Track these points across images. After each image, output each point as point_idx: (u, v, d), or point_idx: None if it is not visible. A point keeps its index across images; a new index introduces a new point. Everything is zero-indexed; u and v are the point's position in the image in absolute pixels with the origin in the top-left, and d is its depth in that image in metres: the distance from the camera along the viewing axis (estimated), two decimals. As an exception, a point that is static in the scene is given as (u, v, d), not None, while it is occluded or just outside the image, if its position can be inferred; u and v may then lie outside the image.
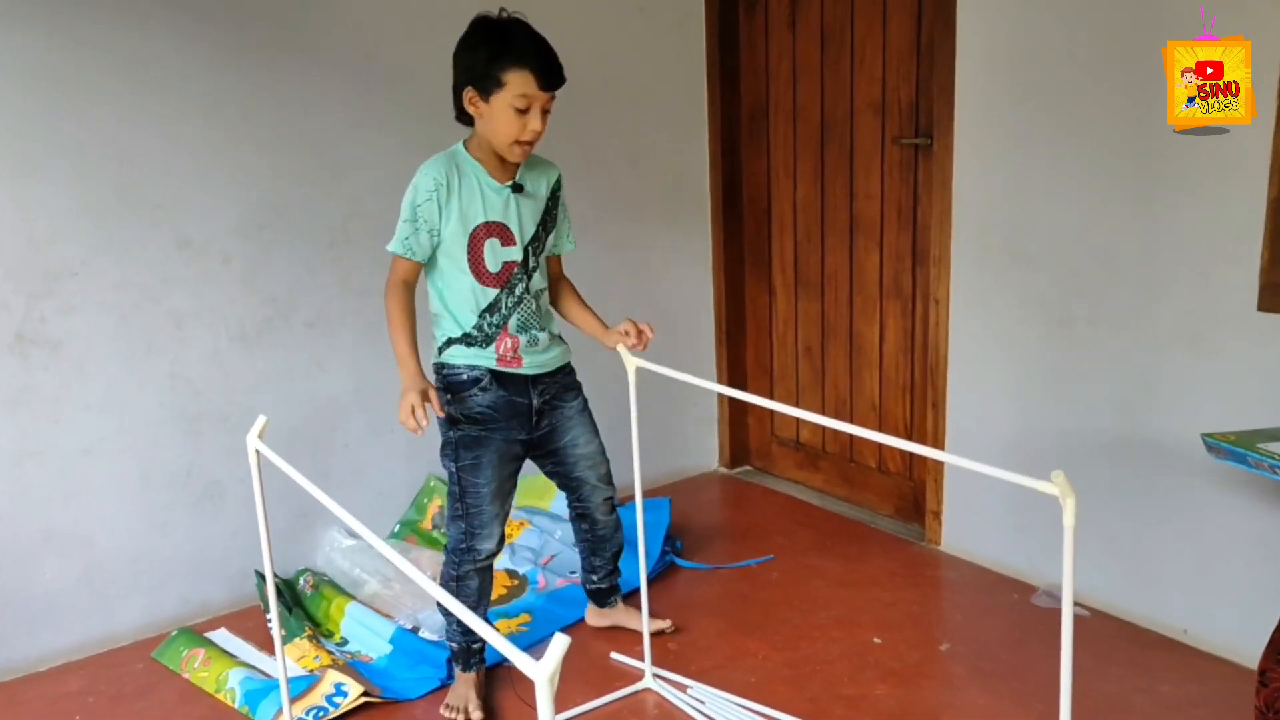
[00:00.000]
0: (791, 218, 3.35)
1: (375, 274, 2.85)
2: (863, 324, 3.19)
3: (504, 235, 2.13)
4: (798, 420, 3.48)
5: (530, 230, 2.17)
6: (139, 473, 2.58)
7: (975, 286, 2.73)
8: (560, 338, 2.30)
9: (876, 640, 2.47)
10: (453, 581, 2.22)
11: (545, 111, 2.05)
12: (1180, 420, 2.32)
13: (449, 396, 2.18)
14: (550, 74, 2.03)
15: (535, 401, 2.23)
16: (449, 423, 2.18)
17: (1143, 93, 2.27)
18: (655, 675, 2.32)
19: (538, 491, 3.02)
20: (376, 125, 2.82)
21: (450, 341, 2.17)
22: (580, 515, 2.44)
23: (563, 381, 2.30)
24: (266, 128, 2.65)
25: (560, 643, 1.00)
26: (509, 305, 2.16)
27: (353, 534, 2.87)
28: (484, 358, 2.16)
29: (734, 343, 3.58)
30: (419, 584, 1.34)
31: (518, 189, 2.15)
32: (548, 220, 2.23)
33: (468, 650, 2.24)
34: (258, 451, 1.76)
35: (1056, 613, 2.54)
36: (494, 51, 1.99)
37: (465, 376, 2.16)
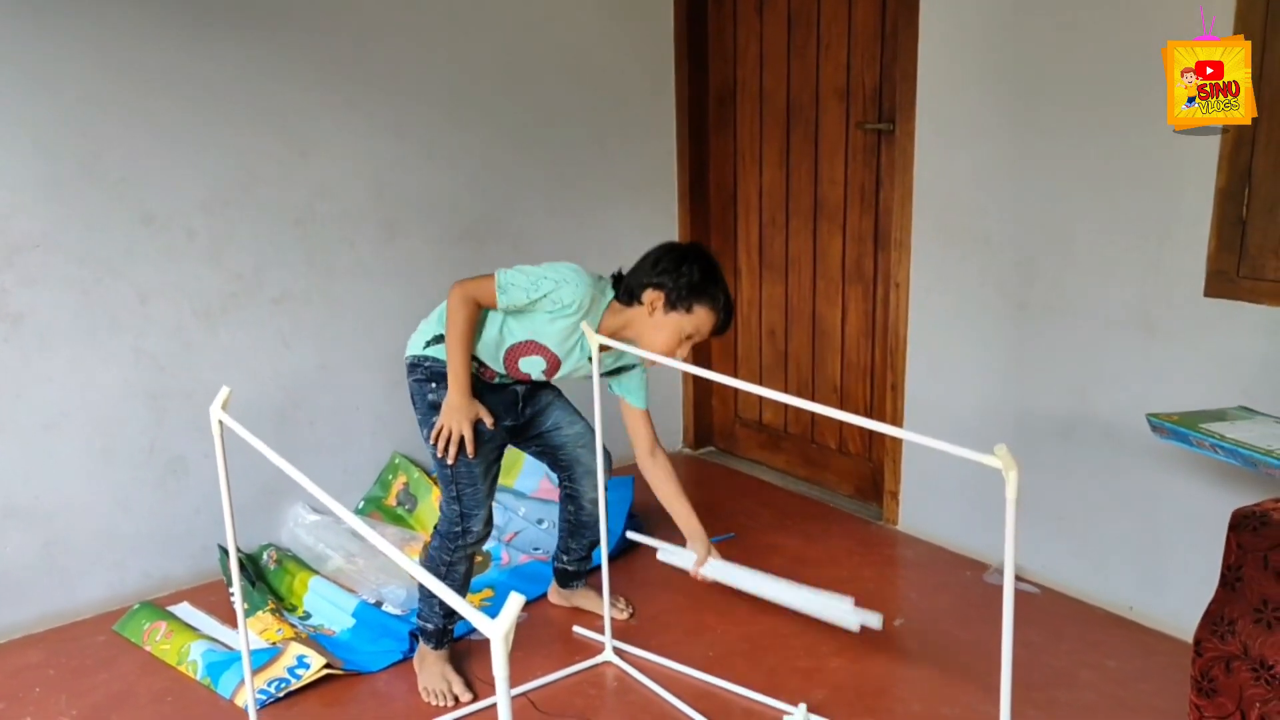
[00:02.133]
0: (757, 201, 3.38)
1: (341, 252, 2.87)
2: (825, 307, 3.23)
3: (552, 364, 2.23)
4: (761, 402, 3.52)
5: (572, 363, 2.24)
6: (102, 447, 2.58)
7: (935, 270, 2.78)
8: None
9: (833, 616, 2.52)
10: (443, 565, 2.23)
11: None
12: (1129, 402, 2.38)
13: (434, 384, 2.21)
14: (726, 327, 2.23)
15: (520, 389, 2.31)
16: (434, 409, 2.20)
17: (1103, 80, 2.33)
18: (615, 650, 2.36)
19: (503, 468, 3.03)
20: (345, 105, 2.82)
21: (439, 339, 2.21)
22: (569, 496, 2.47)
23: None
24: (232, 104, 2.65)
25: (515, 602, 1.03)
26: (508, 382, 2.29)
27: (317, 509, 2.88)
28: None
29: (699, 325, 3.61)
30: (392, 557, 1.35)
31: (588, 359, 2.20)
32: (614, 371, 2.37)
33: (443, 631, 2.27)
34: (221, 423, 1.77)
35: (1008, 590, 2.61)
36: (702, 283, 2.13)
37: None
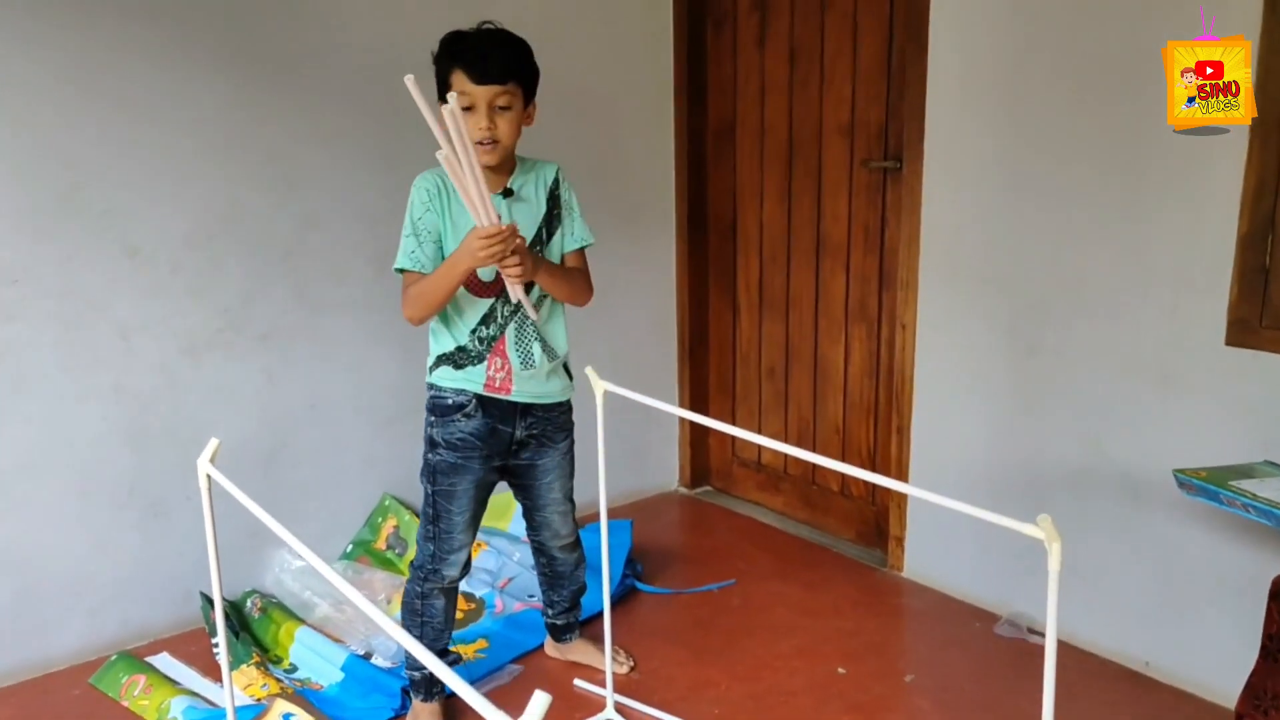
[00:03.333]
0: (757, 237, 3.32)
1: (331, 286, 2.79)
2: (827, 346, 3.16)
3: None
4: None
5: (528, 235, 2.09)
6: (79, 490, 2.47)
7: (943, 311, 2.72)
8: (566, 370, 2.23)
9: (840, 671, 2.43)
10: (417, 599, 2.15)
11: (498, 109, 1.98)
12: (1146, 453, 2.32)
13: (433, 419, 2.12)
14: (479, 67, 1.95)
15: (519, 433, 2.16)
16: (429, 445, 2.12)
17: (1119, 119, 2.27)
18: (617, 708, 2.26)
19: (497, 511, 2.95)
20: (334, 135, 2.73)
21: (440, 360, 2.11)
22: (538, 549, 2.38)
23: (557, 421, 2.22)
24: (219, 134, 2.56)
25: (541, 701, 0.95)
26: (505, 314, 2.09)
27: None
28: (471, 381, 2.09)
29: (697, 362, 3.54)
30: (380, 623, 1.28)
31: (508, 193, 2.08)
32: (551, 221, 2.15)
33: (430, 679, 2.17)
34: (209, 476, 1.68)
35: (1020, 643, 2.54)
36: (441, 54, 2.00)
37: (450, 401, 2.10)
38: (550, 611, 2.46)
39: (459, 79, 1.96)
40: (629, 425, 3.38)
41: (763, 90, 3.21)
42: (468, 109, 1.95)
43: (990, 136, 2.54)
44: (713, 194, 3.44)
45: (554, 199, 2.16)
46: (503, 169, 2.08)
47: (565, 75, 3.12)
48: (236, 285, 2.64)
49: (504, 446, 2.16)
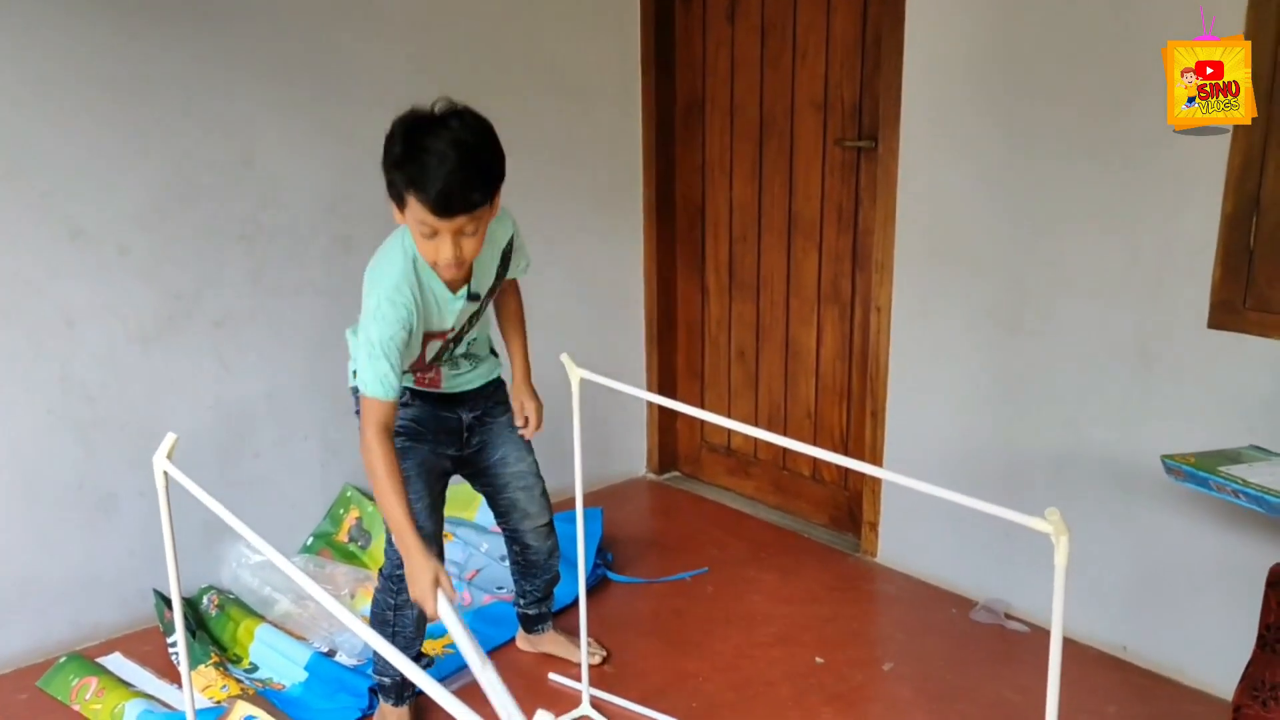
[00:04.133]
0: (727, 217, 3.25)
1: (290, 269, 2.68)
2: (799, 328, 3.11)
3: (444, 335, 1.95)
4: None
5: (484, 291, 1.99)
6: (24, 485, 2.35)
7: (919, 293, 2.67)
8: (492, 352, 2.16)
9: (819, 660, 2.39)
10: (389, 610, 2.05)
11: (464, 235, 1.75)
12: (1128, 437, 2.29)
13: None
14: (446, 203, 1.68)
15: (466, 418, 2.10)
16: None
17: (1102, 97, 2.23)
18: (593, 703, 2.20)
19: (462, 501, 2.86)
20: (294, 109, 2.61)
21: None
22: (511, 538, 2.29)
23: (493, 396, 2.16)
24: (169, 108, 2.43)
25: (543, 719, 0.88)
26: (435, 361, 2.02)
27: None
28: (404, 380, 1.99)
29: (665, 344, 3.47)
30: (350, 625, 1.20)
31: (473, 298, 1.94)
32: (501, 274, 2.03)
33: (401, 684, 2.09)
34: (166, 474, 1.58)
35: (997, 629, 2.52)
36: (398, 159, 1.70)
37: None
38: (522, 601, 2.39)
39: (419, 206, 1.69)
40: (595, 410, 3.29)
41: (733, 66, 3.13)
42: (428, 236, 1.73)
43: (970, 114, 2.48)
44: (681, 173, 3.36)
45: (505, 255, 2.02)
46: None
47: (529, 50, 3.03)
48: (189, 268, 2.52)
49: (454, 434, 2.09)
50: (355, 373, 1.90)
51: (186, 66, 2.44)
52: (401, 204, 1.74)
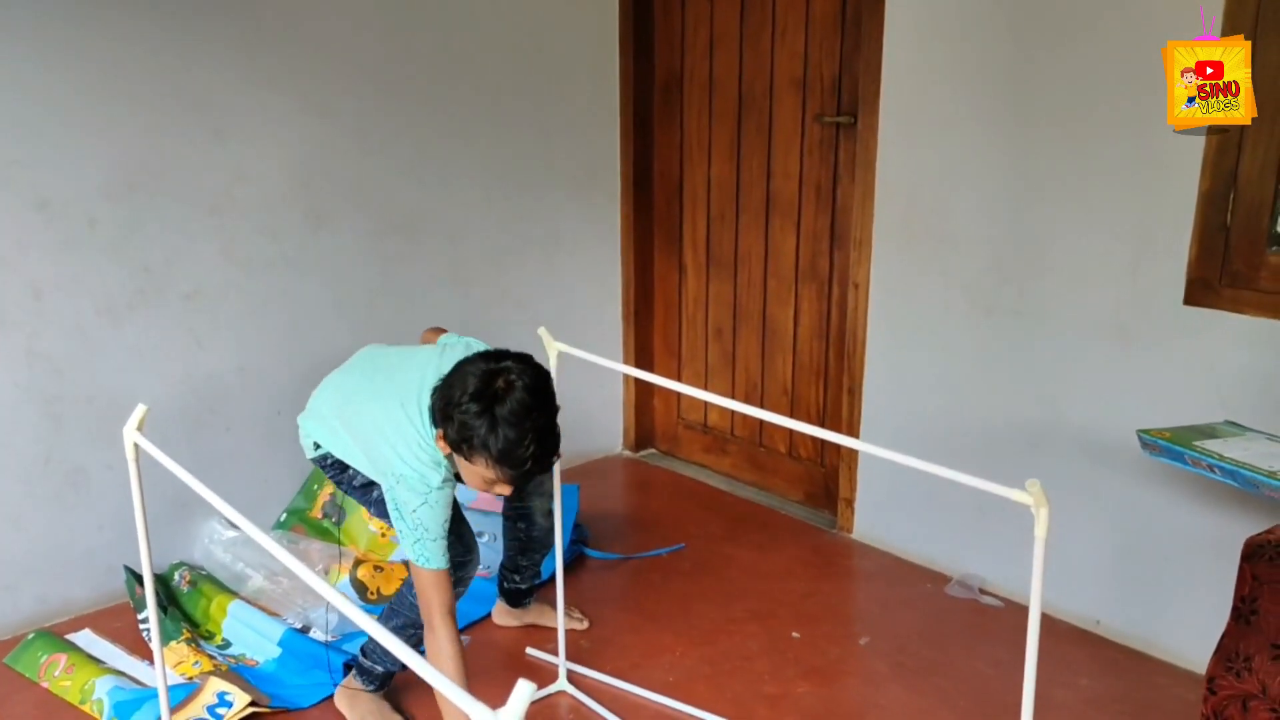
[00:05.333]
0: (705, 195, 3.23)
1: (261, 243, 2.64)
2: (776, 306, 3.10)
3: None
4: (706, 403, 3.38)
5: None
6: (-11, 460, 2.31)
7: (897, 271, 2.67)
8: None
9: (795, 635, 2.40)
10: (411, 628, 1.98)
11: None
12: (1104, 413, 2.30)
13: (351, 471, 2.02)
14: (526, 476, 1.79)
15: None
16: (369, 486, 1.99)
17: (1083, 75, 2.23)
18: (570, 677, 2.20)
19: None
20: (267, 82, 2.57)
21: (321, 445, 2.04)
22: (521, 515, 2.29)
23: None
24: (138, 80, 2.38)
25: (523, 691, 0.87)
26: None
27: (235, 524, 2.65)
28: None
29: (642, 322, 3.46)
30: (351, 615, 1.17)
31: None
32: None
33: (390, 675, 2.07)
34: (136, 445, 1.55)
35: (972, 604, 2.54)
36: (469, 433, 1.71)
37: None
38: (516, 577, 2.38)
39: (489, 470, 1.74)
40: (572, 387, 3.26)
41: (712, 42, 3.11)
42: (490, 483, 1.78)
43: (949, 91, 2.48)
44: (659, 150, 3.34)
45: None
46: None
47: (505, 25, 3.00)
48: (159, 241, 2.47)
49: None
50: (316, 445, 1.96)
51: (156, 35, 2.39)
52: (465, 455, 1.74)
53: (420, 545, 1.80)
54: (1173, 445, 1.82)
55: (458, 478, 1.86)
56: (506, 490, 1.81)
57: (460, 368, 1.79)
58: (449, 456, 1.80)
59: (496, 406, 1.70)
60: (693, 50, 3.17)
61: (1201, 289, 2.12)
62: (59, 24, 2.26)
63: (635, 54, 3.24)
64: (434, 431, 1.80)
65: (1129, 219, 2.21)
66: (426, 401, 1.82)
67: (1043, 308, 2.39)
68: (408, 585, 2.01)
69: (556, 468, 2.18)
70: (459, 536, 1.97)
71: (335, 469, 2.04)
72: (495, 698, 2.14)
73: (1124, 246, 2.23)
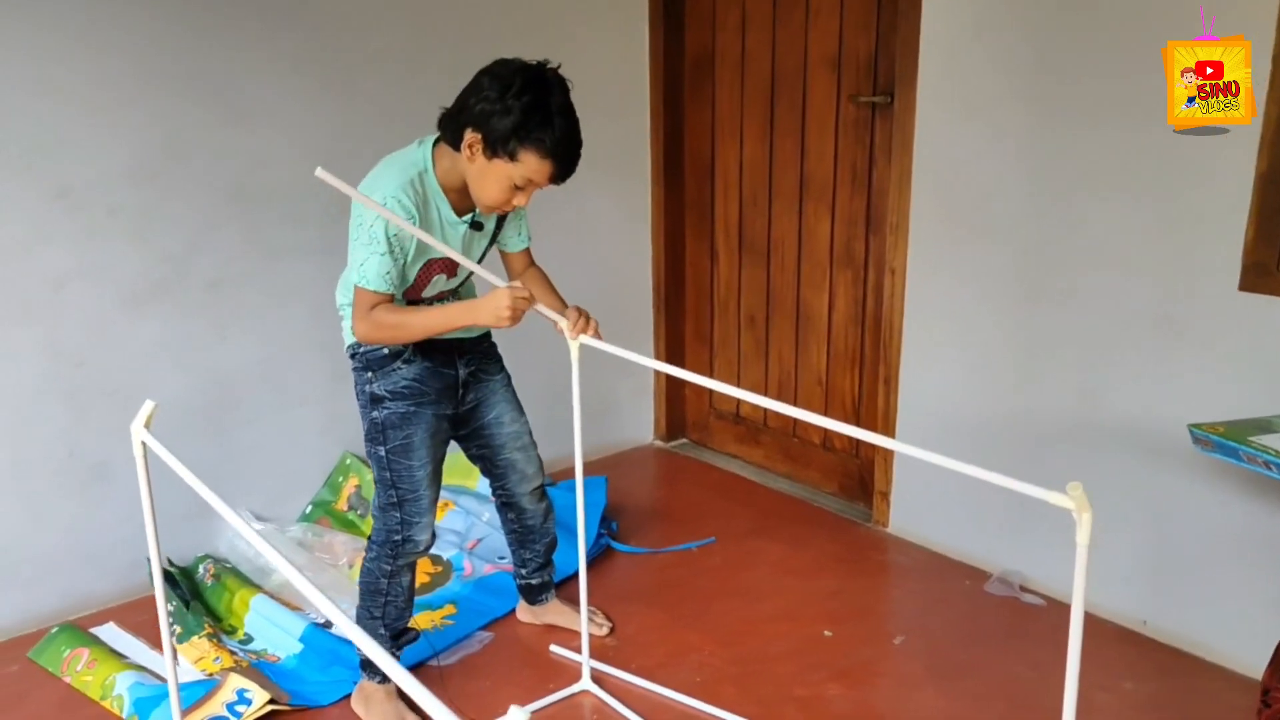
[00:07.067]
0: (737, 178, 3.15)
1: (285, 230, 2.60)
2: (810, 293, 3.02)
3: (450, 269, 1.94)
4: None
5: (476, 259, 1.98)
6: (11, 455, 2.30)
7: (935, 256, 2.58)
8: None
9: (826, 634, 2.33)
10: (384, 578, 2.00)
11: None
12: (1152, 406, 2.20)
13: (370, 375, 1.95)
14: (566, 171, 1.80)
15: (461, 373, 2.04)
16: (372, 402, 1.96)
17: (1129, 51, 2.12)
18: (594, 676, 2.14)
19: (463, 470, 2.80)
20: (289, 66, 2.53)
21: None
22: (506, 504, 2.24)
23: (485, 349, 2.12)
24: (161, 65, 2.35)
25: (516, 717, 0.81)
26: (432, 303, 1.98)
27: (260, 517, 2.63)
28: None
29: (673, 310, 3.39)
30: (310, 597, 1.14)
31: (476, 226, 1.93)
32: (497, 232, 2.03)
33: (389, 656, 2.03)
34: (144, 444, 1.51)
35: (1011, 603, 2.45)
36: (524, 123, 1.72)
37: (386, 350, 1.94)
38: (524, 571, 2.33)
39: (540, 169, 1.76)
40: (601, 376, 3.22)
41: (744, 20, 3.02)
42: (520, 188, 1.80)
43: (990, 69, 2.38)
44: (689, 132, 3.26)
45: (501, 218, 2.02)
46: None
47: (531, 2, 2.92)
48: (181, 229, 2.45)
49: (451, 391, 2.03)
50: (352, 328, 1.89)
51: (174, 19, 2.35)
52: (501, 156, 1.75)
53: (366, 266, 1.79)
54: (1226, 441, 1.73)
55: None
56: (524, 201, 1.82)
57: (487, 72, 1.78)
58: (467, 158, 1.78)
59: (550, 98, 1.74)
60: (724, 27, 3.08)
61: (1258, 274, 2.01)
62: (78, 12, 2.22)
63: (665, 33, 3.16)
64: (430, 157, 1.83)
65: (1179, 202, 2.10)
66: (426, 147, 1.85)
67: (1086, 295, 2.28)
68: (368, 557, 2.03)
69: (539, 454, 2.17)
70: (425, 499, 1.98)
71: (359, 362, 1.98)
72: (515, 697, 2.11)
73: (1174, 231, 2.12)
